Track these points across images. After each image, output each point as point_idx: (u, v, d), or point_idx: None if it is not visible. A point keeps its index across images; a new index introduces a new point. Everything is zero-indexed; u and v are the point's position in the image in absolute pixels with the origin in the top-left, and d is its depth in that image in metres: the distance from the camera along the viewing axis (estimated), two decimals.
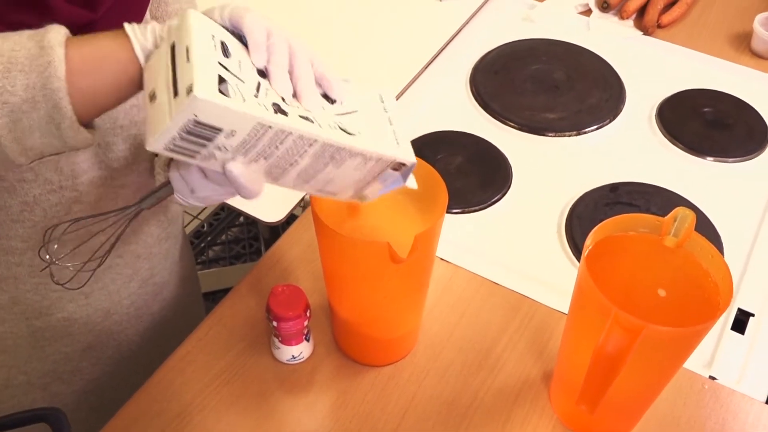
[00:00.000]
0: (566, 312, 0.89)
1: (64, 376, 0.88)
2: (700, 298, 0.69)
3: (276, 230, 1.51)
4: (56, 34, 0.53)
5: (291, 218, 1.04)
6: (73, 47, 0.54)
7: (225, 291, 1.75)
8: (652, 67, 1.25)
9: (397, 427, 0.80)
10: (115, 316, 0.89)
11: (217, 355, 0.86)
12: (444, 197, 0.73)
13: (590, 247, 0.70)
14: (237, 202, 1.03)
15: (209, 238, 1.94)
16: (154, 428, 0.80)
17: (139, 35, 0.55)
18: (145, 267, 0.89)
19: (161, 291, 0.95)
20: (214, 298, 1.76)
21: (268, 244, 1.37)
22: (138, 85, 0.56)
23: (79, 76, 0.54)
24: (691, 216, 0.70)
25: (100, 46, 0.55)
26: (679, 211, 0.70)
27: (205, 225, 1.96)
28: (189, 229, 1.99)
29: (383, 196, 0.80)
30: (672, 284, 0.72)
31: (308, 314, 0.81)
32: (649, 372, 0.70)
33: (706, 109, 1.16)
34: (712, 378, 0.85)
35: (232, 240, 1.94)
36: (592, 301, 0.66)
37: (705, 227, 0.99)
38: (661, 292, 0.73)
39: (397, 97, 1.19)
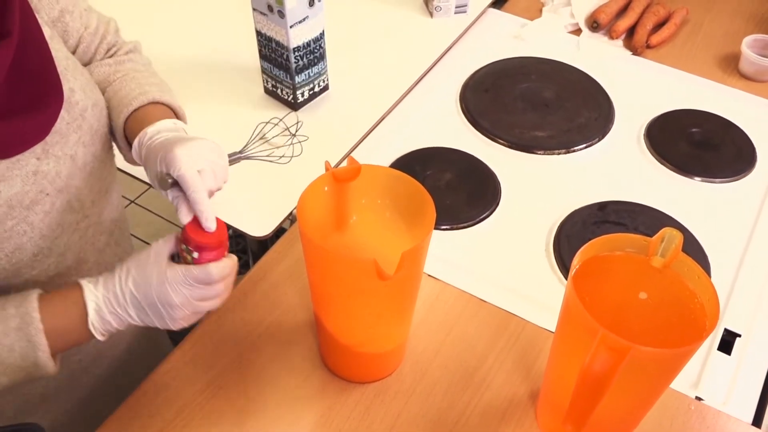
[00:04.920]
0: (554, 330, 0.89)
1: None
2: (686, 319, 0.69)
3: (264, 244, 1.49)
4: (39, 336, 0.66)
5: (280, 231, 1.03)
6: (52, 340, 0.67)
7: None
8: (641, 87, 1.26)
9: None
10: None
11: (201, 369, 0.86)
12: (431, 214, 0.73)
13: (577, 267, 0.70)
14: (224, 215, 1.03)
15: None
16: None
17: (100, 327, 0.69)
18: None
19: None
20: None
21: (257, 257, 1.36)
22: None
23: (59, 349, 0.69)
24: (678, 236, 0.70)
25: (71, 340, 0.69)
26: (667, 231, 0.71)
27: None
28: None
29: (370, 212, 0.80)
30: (659, 305, 0.72)
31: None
32: (636, 392, 0.69)
33: (694, 130, 1.17)
34: (699, 399, 0.84)
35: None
36: (578, 321, 0.66)
37: (692, 247, 0.99)
38: (642, 295, 0.73)
39: (387, 113, 1.19)
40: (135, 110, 0.79)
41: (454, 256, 0.98)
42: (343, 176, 0.77)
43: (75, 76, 0.74)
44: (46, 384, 0.84)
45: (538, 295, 0.94)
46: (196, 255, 0.69)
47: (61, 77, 0.71)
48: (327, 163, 0.77)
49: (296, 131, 1.13)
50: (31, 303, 0.67)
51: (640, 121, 1.19)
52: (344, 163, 0.78)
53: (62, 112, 0.71)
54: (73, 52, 0.82)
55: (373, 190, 0.79)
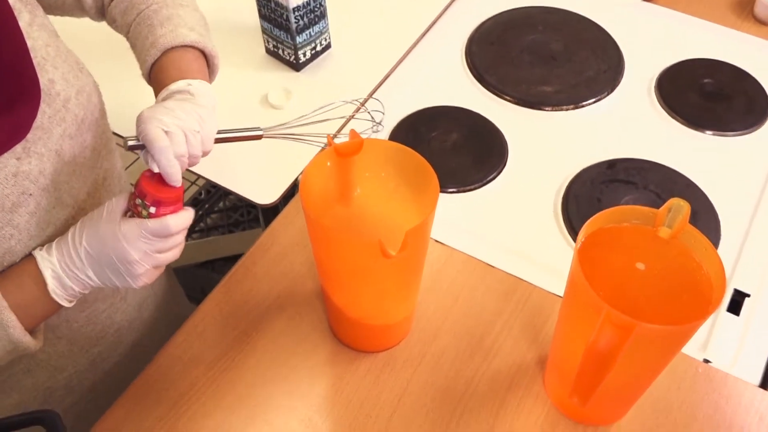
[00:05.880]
0: (561, 294, 0.89)
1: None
2: (692, 291, 0.69)
3: (275, 211, 1.50)
4: (5, 312, 0.65)
5: (288, 196, 1.03)
6: (20, 315, 0.66)
7: (223, 260, 1.76)
8: (652, 36, 1.22)
9: (392, 414, 0.81)
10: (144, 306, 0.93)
11: (212, 342, 0.87)
12: (435, 189, 0.72)
13: (582, 240, 0.69)
14: (230, 182, 1.03)
15: (207, 206, 1.93)
16: (152, 417, 0.81)
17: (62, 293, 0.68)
18: None
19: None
20: (213, 266, 1.76)
21: (266, 212, 1.36)
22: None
23: (26, 325, 0.68)
24: (685, 207, 0.69)
25: (39, 312, 0.69)
26: (674, 202, 0.69)
27: (203, 192, 1.95)
28: (187, 196, 1.98)
29: (374, 184, 0.80)
30: (665, 276, 0.71)
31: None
32: (642, 364, 0.70)
33: (706, 80, 1.14)
34: (707, 361, 0.85)
35: (229, 207, 1.93)
36: (583, 296, 0.66)
37: (702, 204, 0.98)
38: (640, 266, 0.73)
39: (392, 70, 1.16)
40: (156, 61, 0.77)
41: (461, 220, 0.98)
42: (345, 151, 0.76)
43: (55, 64, 0.70)
44: (69, 376, 0.85)
45: (546, 258, 0.94)
46: (153, 210, 0.67)
47: (38, 69, 0.67)
48: (329, 138, 0.76)
49: (381, 120, 1.05)
50: None
51: (651, 72, 1.16)
52: (347, 129, 0.76)
53: (42, 107, 0.67)
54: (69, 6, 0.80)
55: (376, 163, 0.78)
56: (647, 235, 0.71)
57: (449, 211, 0.99)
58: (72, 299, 0.69)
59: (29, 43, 0.67)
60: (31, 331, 0.69)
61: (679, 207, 0.69)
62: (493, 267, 0.93)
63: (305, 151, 1.05)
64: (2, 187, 0.66)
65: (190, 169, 0.83)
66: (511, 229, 0.97)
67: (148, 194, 0.66)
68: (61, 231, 0.73)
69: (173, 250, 0.69)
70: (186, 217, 0.69)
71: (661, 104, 1.12)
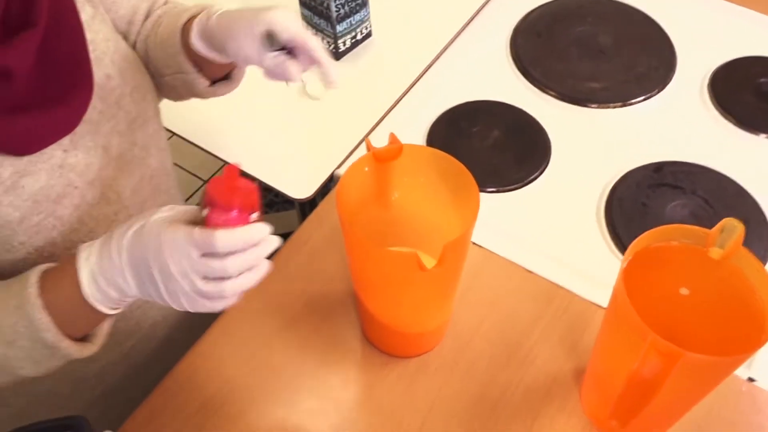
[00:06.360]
0: (601, 304, 0.87)
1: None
2: (743, 316, 0.66)
3: (312, 206, 1.48)
4: (38, 313, 0.59)
5: (325, 190, 1.01)
6: (54, 313, 0.60)
7: None
8: (707, 30, 1.17)
9: (423, 422, 0.79)
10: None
11: (243, 340, 0.86)
12: (476, 200, 0.70)
13: (629, 259, 0.67)
14: (265, 175, 1.01)
15: None
16: (181, 417, 0.80)
17: (100, 298, 0.60)
18: None
19: None
20: None
21: None
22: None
23: (70, 330, 0.62)
24: (739, 227, 0.66)
25: (81, 318, 0.62)
26: (727, 222, 0.66)
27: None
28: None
29: (413, 189, 0.77)
30: (714, 299, 0.68)
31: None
32: (685, 391, 0.67)
33: (762, 80, 1.09)
34: (751, 380, 0.82)
35: (264, 187, 1.92)
36: (628, 319, 0.63)
37: (754, 213, 0.94)
38: (684, 291, 0.70)
39: (431, 64, 1.13)
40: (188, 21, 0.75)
41: (499, 222, 0.95)
42: (384, 156, 0.74)
43: (114, 59, 0.70)
44: (101, 367, 0.85)
45: (587, 265, 0.91)
46: (205, 213, 0.54)
47: (95, 64, 0.68)
48: (368, 142, 0.74)
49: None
50: (29, 278, 0.60)
51: (704, 69, 1.11)
52: (386, 124, 0.74)
53: (95, 101, 0.67)
54: (130, 21, 0.78)
55: (415, 168, 0.75)
56: (697, 256, 0.68)
57: (488, 211, 0.96)
58: (114, 306, 0.61)
59: (89, 36, 0.68)
60: (84, 337, 0.64)
61: (732, 227, 0.66)
62: (531, 272, 0.90)
63: (342, 143, 1.03)
64: (48, 177, 0.65)
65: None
66: (552, 233, 0.94)
67: (206, 193, 0.53)
68: (103, 227, 0.72)
69: (225, 284, 0.55)
70: (241, 237, 0.54)
71: (713, 104, 1.07)
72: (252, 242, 0.55)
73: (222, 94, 0.82)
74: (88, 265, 0.59)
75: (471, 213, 0.69)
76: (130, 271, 0.57)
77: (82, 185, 0.69)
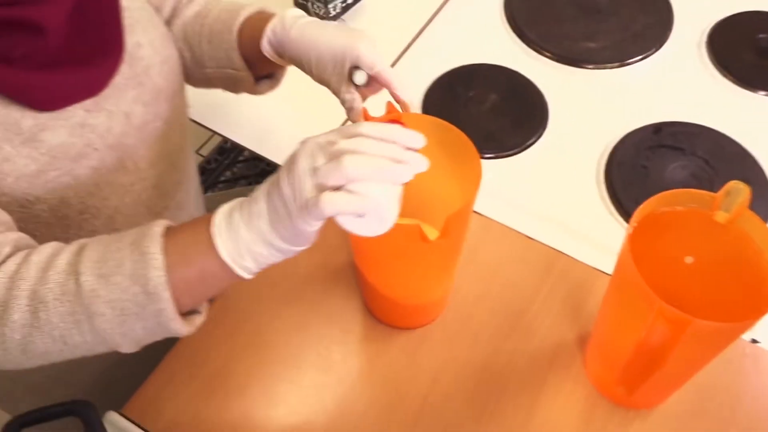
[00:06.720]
0: (603, 269, 0.86)
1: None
2: (751, 279, 0.65)
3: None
4: (157, 272, 0.53)
5: None
6: (176, 271, 0.54)
7: None
8: None
9: (427, 394, 0.79)
10: None
11: (243, 317, 0.85)
12: (477, 171, 0.68)
13: (635, 226, 0.66)
14: (258, 146, 0.99)
15: (214, 176, 1.89)
16: (186, 393, 0.80)
17: (238, 259, 0.55)
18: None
19: None
20: None
21: None
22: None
23: (187, 297, 0.56)
24: (745, 190, 0.65)
25: (203, 270, 0.55)
26: (732, 185, 0.65)
27: (212, 161, 1.92)
28: (208, 148, 1.95)
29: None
30: (720, 264, 0.68)
31: None
32: (692, 356, 0.67)
33: (761, 35, 1.07)
34: (754, 341, 0.81)
35: (238, 177, 1.89)
36: (634, 287, 0.62)
37: (755, 173, 0.93)
38: (689, 260, 0.69)
39: (425, 25, 1.11)
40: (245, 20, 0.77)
41: (498, 188, 0.94)
42: None
43: (146, 29, 0.70)
44: None
45: (588, 230, 0.90)
46: None
47: (127, 30, 0.68)
48: (365, 111, 0.72)
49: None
50: (156, 224, 0.56)
51: (702, 25, 1.09)
52: (382, 91, 0.73)
53: (123, 67, 0.67)
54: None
55: None
56: (703, 220, 0.67)
57: (487, 178, 0.93)
58: (252, 266, 0.56)
59: (124, 2, 0.68)
60: (191, 312, 0.59)
61: (738, 190, 0.65)
62: (532, 239, 0.90)
63: (335, 113, 1.01)
64: (69, 134, 0.65)
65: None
66: (552, 198, 0.93)
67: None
68: (118, 197, 0.72)
69: (344, 159, 0.50)
70: (385, 127, 0.51)
71: (712, 62, 1.05)
72: (392, 138, 0.52)
73: (262, 93, 0.83)
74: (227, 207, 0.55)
75: (473, 183, 0.67)
76: (266, 199, 0.53)
77: (101, 147, 0.68)
